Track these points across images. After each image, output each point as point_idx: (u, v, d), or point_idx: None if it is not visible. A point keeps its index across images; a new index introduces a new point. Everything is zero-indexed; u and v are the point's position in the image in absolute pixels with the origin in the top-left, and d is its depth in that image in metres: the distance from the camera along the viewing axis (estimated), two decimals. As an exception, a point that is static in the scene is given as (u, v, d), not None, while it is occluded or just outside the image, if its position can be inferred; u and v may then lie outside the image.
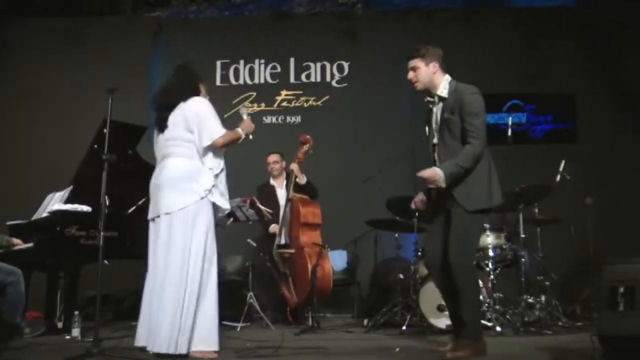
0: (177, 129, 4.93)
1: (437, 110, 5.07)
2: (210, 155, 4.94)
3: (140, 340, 4.82)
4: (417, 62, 5.05)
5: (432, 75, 5.03)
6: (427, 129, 5.19)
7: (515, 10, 10.54)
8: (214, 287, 4.85)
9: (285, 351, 5.27)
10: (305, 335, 6.50)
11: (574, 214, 7.53)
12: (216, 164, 4.97)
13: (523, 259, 7.10)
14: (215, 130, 4.89)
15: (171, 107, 4.99)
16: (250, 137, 5.18)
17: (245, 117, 5.28)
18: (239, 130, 5.08)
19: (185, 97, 4.98)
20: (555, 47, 9.92)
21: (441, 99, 5.02)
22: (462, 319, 4.89)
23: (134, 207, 6.73)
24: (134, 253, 6.33)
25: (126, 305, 8.13)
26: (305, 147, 7.63)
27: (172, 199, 4.81)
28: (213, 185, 4.90)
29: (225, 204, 5.04)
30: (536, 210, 7.39)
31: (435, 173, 4.75)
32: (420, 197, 5.28)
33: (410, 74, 5.08)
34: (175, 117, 4.95)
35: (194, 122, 4.90)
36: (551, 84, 9.90)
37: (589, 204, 7.55)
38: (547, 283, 7.13)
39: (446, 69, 5.11)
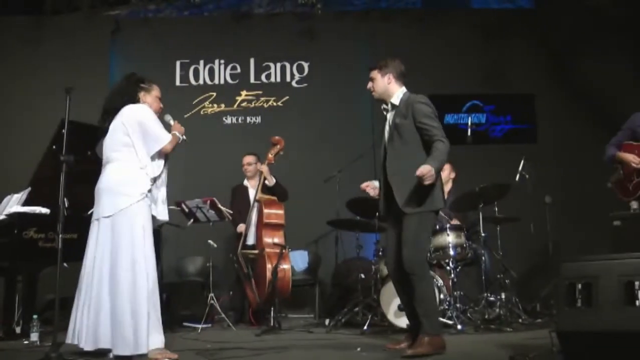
0: (117, 134, 4.94)
1: (389, 117, 5.34)
2: (149, 160, 4.95)
3: (76, 339, 4.79)
4: (374, 74, 5.38)
5: (387, 86, 5.34)
6: (382, 136, 5.42)
7: (473, 12, 10.62)
8: (156, 288, 4.83)
9: (246, 352, 5.26)
10: (267, 335, 6.49)
11: (533, 213, 7.62)
12: (155, 168, 4.98)
13: (483, 258, 7.17)
14: (162, 137, 4.97)
15: (112, 112, 5.02)
16: (184, 137, 5.20)
17: (172, 122, 5.29)
18: (177, 133, 5.12)
19: (124, 104, 5.01)
20: (514, 48, 10.01)
21: (394, 106, 5.29)
22: (419, 316, 5.04)
23: (92, 210, 6.63)
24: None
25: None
26: (277, 148, 7.58)
27: (110, 203, 4.83)
28: (149, 190, 4.92)
29: (159, 215, 5.06)
30: (496, 209, 7.46)
31: (430, 169, 4.84)
32: (375, 184, 5.60)
33: (369, 84, 5.42)
34: (115, 122, 4.97)
35: (136, 128, 4.90)
36: (510, 84, 10.01)
37: (547, 202, 7.66)
38: (507, 281, 7.21)
39: (405, 82, 5.38)
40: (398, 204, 5.08)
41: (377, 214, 7.15)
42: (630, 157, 6.22)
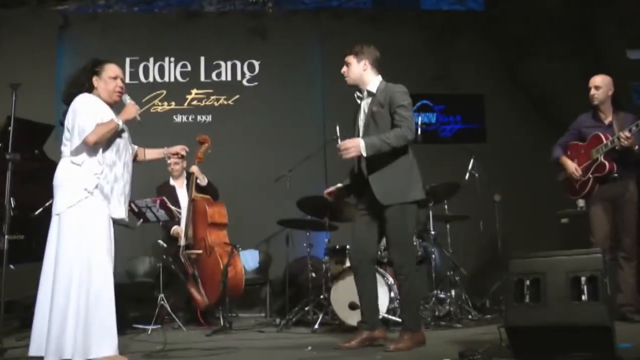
0: (66, 129, 4.74)
1: (364, 104, 5.33)
2: (85, 154, 4.62)
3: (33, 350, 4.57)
4: (350, 58, 5.35)
5: (362, 72, 5.32)
6: (355, 123, 5.40)
7: (424, 12, 10.70)
8: (109, 290, 4.55)
9: (196, 352, 5.23)
10: (217, 335, 6.45)
11: (482, 211, 7.72)
12: (94, 163, 4.63)
13: (433, 255, 7.23)
14: (83, 128, 4.57)
15: (67, 104, 4.77)
16: (138, 118, 4.88)
17: (127, 101, 4.91)
18: (114, 118, 4.70)
19: (74, 95, 4.75)
20: (464, 49, 10.10)
21: (370, 93, 5.28)
22: (402, 311, 5.29)
23: (41, 209, 6.50)
24: (41, 257, 6.06)
25: (33, 312, 7.83)
26: (204, 147, 7.51)
27: (57, 201, 4.63)
28: (96, 186, 4.59)
29: (113, 213, 4.70)
30: (446, 208, 7.55)
31: (354, 140, 5.01)
32: (334, 188, 5.52)
33: (344, 68, 5.38)
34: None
35: (70, 121, 4.67)
36: (460, 85, 10.09)
37: (496, 200, 7.75)
38: (457, 278, 7.31)
39: (380, 71, 5.39)
40: (375, 196, 5.07)
41: (327, 212, 7.17)
42: (572, 168, 6.35)
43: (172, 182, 8.16)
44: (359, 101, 5.40)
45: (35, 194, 6.28)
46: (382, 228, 5.20)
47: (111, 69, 4.86)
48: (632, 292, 6.17)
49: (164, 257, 7.58)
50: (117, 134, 4.74)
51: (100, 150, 4.66)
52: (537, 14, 9.89)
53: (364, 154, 4.98)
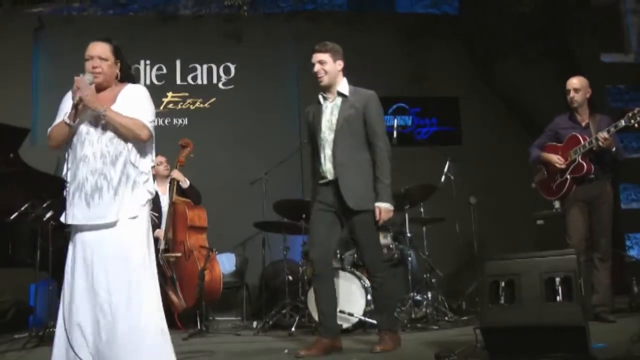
0: None
1: (333, 106, 5.18)
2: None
3: None
4: (326, 57, 5.14)
5: (337, 72, 5.16)
6: (318, 125, 5.22)
7: (399, 15, 10.74)
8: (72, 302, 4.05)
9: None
10: (194, 339, 6.42)
11: (458, 213, 7.73)
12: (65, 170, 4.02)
13: (409, 258, 7.24)
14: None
15: None
16: (88, 79, 3.97)
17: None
18: (65, 116, 3.92)
19: None
20: (439, 52, 10.15)
21: (341, 95, 5.17)
22: (380, 313, 5.22)
23: (16, 214, 6.42)
24: (17, 262, 6.02)
25: (9, 317, 7.76)
26: (186, 151, 7.49)
27: None
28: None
29: (67, 219, 4.00)
30: (422, 210, 7.57)
31: (385, 211, 5.01)
32: None
33: (317, 67, 5.15)
34: None
35: None
36: (435, 87, 10.14)
37: (472, 203, 7.78)
38: (433, 280, 7.32)
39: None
40: (346, 201, 5.00)
41: (303, 215, 7.15)
42: (554, 158, 6.37)
43: (155, 186, 8.06)
44: (323, 102, 5.22)
45: (11, 198, 6.21)
46: (344, 231, 5.25)
47: (86, 51, 4.11)
48: (606, 292, 6.22)
49: None
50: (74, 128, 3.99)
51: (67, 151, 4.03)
52: (511, 17, 9.97)
53: (392, 208, 5.04)
